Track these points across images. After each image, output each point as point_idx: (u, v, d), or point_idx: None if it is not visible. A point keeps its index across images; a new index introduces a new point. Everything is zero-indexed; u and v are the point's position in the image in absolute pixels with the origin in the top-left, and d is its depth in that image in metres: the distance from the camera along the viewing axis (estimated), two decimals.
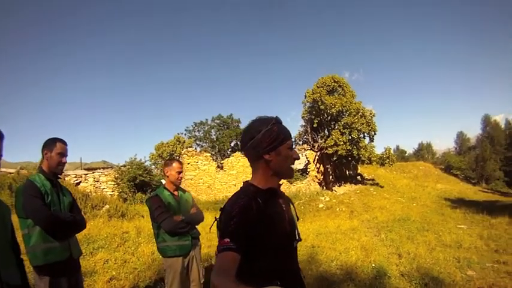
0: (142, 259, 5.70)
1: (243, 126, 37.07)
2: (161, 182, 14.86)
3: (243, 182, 1.58)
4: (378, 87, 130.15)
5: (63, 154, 2.71)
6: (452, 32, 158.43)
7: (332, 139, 23.12)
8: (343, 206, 18.66)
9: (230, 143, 35.68)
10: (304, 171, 25.11)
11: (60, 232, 2.55)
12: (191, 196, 3.73)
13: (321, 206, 18.55)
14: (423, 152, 66.52)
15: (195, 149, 27.17)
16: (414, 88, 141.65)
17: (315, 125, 24.94)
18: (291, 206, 1.66)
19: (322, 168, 25.44)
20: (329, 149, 23.29)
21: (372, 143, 25.06)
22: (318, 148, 24.97)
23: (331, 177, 25.82)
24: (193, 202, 3.68)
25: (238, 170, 22.16)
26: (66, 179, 14.54)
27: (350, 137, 23.13)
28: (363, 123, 23.20)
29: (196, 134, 37.41)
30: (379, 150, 26.39)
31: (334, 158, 24.85)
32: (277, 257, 1.42)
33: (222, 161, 23.26)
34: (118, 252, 6.07)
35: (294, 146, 1.60)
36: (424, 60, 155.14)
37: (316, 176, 24.90)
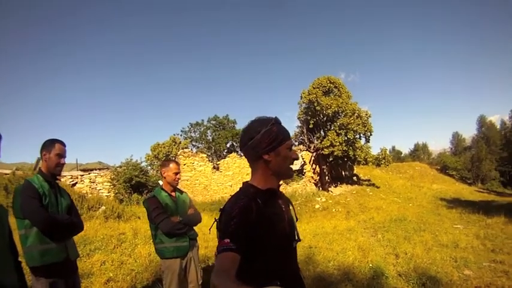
0: (139, 260, 5.67)
1: (238, 127, 37.15)
2: (158, 183, 14.87)
3: (243, 183, 1.58)
4: (373, 88, 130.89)
5: (62, 155, 2.71)
6: (448, 33, 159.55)
7: (328, 140, 23.14)
8: (339, 207, 18.72)
9: (226, 143, 35.67)
10: (300, 172, 25.12)
11: (57, 234, 2.54)
12: (188, 197, 3.72)
13: (317, 206, 18.60)
14: (419, 152, 66.74)
15: (191, 150, 27.17)
16: (410, 89, 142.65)
17: (311, 126, 24.96)
18: (290, 207, 1.66)
19: (318, 169, 25.46)
20: (325, 149, 23.31)
21: (368, 144, 25.20)
22: (313, 149, 24.99)
23: (327, 178, 25.85)
24: (191, 203, 3.66)
25: (234, 171, 22.16)
26: (62, 180, 14.46)
27: (346, 138, 23.16)
28: (358, 124, 23.25)
29: (192, 134, 37.38)
30: (375, 150, 26.46)
31: (330, 159, 24.91)
32: (277, 257, 1.43)
33: (218, 162, 23.26)
34: (115, 253, 6.03)
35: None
36: (420, 61, 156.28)
37: (312, 177, 24.92)
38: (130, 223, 8.84)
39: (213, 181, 21.56)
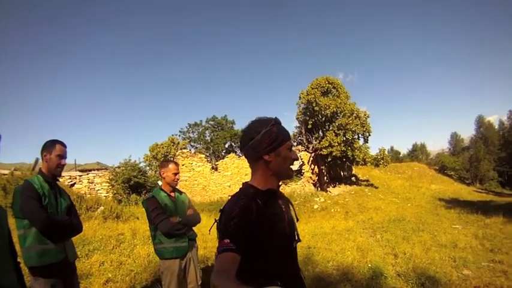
0: (138, 261, 5.65)
1: (237, 127, 37.23)
2: (157, 184, 14.85)
3: (243, 183, 1.58)
4: (372, 89, 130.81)
5: (63, 156, 2.71)
6: (447, 33, 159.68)
7: (326, 140, 23.19)
8: (338, 207, 18.73)
9: (224, 144, 35.72)
10: (299, 172, 25.13)
11: (56, 235, 2.54)
12: (187, 197, 3.71)
13: (315, 206, 18.59)
14: (417, 152, 66.86)
15: (190, 150, 27.12)
16: (408, 89, 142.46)
17: (310, 126, 25.01)
18: (291, 207, 1.67)
19: (316, 169, 25.49)
20: (323, 150, 23.36)
21: (366, 144, 25.26)
22: (312, 149, 25.02)
23: (325, 178, 25.88)
24: (190, 203, 3.65)
25: (233, 171, 22.16)
26: (60, 180, 14.42)
27: (344, 138, 23.20)
28: (357, 125, 23.31)
29: (191, 135, 37.45)
30: (373, 151, 26.53)
31: (329, 159, 24.96)
32: (277, 257, 1.43)
33: (217, 163, 23.27)
34: (114, 254, 6.02)
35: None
36: (418, 61, 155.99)
37: (310, 177, 24.93)
38: (129, 223, 8.83)
39: (212, 181, 21.55)
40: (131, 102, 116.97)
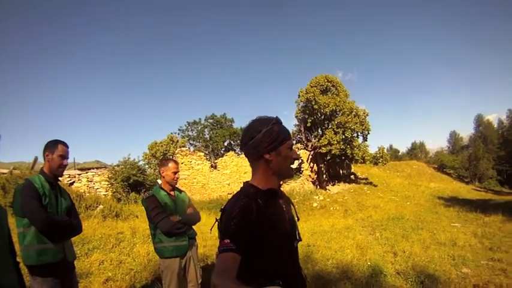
0: (138, 260, 5.65)
1: (236, 125, 37.29)
2: (157, 182, 14.83)
3: (243, 183, 1.57)
4: (371, 87, 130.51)
5: (65, 156, 2.73)
6: (446, 33, 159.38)
7: (326, 138, 23.21)
8: (337, 205, 18.73)
9: (224, 142, 35.77)
10: (298, 171, 25.13)
11: (55, 234, 2.54)
12: (187, 196, 3.71)
13: (315, 205, 18.59)
14: (416, 151, 66.92)
15: (189, 148, 27.15)
16: (407, 88, 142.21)
17: (309, 125, 25.03)
18: (291, 206, 1.66)
19: (315, 167, 25.50)
20: (323, 148, 23.37)
21: (366, 142, 25.32)
22: (311, 147, 25.02)
23: (324, 176, 25.91)
24: (190, 202, 3.65)
25: (232, 170, 22.14)
26: (60, 179, 14.38)
27: (344, 137, 23.25)
28: (356, 123, 23.32)
29: (190, 133, 37.48)
30: (372, 149, 26.60)
31: (328, 157, 24.96)
32: (278, 257, 1.43)
33: (216, 161, 23.24)
34: (113, 252, 6.02)
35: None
36: (418, 60, 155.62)
37: (309, 175, 24.96)
38: (128, 222, 8.83)
39: (211, 180, 21.54)
40: (130, 101, 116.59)
